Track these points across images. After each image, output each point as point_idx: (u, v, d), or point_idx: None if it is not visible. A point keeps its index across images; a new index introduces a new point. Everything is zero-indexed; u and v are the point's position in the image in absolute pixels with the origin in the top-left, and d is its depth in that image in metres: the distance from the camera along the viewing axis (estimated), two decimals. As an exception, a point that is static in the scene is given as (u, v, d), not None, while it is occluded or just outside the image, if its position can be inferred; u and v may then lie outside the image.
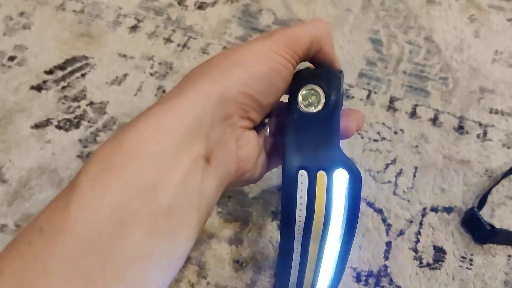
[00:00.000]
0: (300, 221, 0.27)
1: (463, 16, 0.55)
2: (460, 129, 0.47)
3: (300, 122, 0.28)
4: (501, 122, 0.48)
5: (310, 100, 0.28)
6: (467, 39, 0.53)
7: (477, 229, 0.42)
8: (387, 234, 0.42)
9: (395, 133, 0.47)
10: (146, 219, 0.22)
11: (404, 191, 0.44)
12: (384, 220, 0.43)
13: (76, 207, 0.21)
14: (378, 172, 0.45)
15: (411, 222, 0.43)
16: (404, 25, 0.54)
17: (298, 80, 0.29)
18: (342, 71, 0.31)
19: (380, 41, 0.53)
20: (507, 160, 0.46)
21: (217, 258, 0.41)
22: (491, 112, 0.49)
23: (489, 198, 0.44)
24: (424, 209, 0.43)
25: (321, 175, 0.26)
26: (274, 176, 0.45)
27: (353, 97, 0.50)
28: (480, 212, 0.42)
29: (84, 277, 0.20)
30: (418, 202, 0.44)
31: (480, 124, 0.48)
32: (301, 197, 0.26)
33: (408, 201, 0.44)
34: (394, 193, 0.44)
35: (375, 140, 0.47)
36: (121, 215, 0.22)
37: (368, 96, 0.50)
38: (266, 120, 0.32)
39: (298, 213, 0.26)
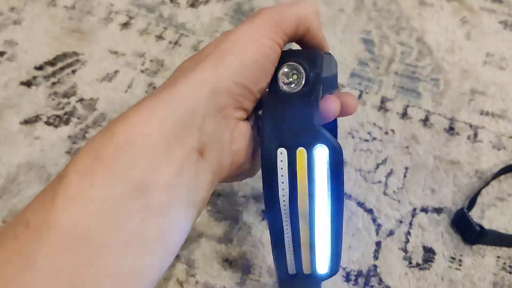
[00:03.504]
0: (284, 200, 0.26)
1: (455, 18, 0.55)
2: (450, 130, 0.48)
3: (279, 100, 0.27)
4: (492, 124, 0.48)
5: (292, 78, 0.28)
6: (459, 41, 0.53)
7: (466, 230, 0.42)
8: (377, 234, 0.42)
9: (386, 133, 0.47)
10: (136, 215, 0.22)
11: (394, 191, 0.44)
12: (374, 220, 0.43)
13: (62, 200, 0.21)
14: (368, 172, 0.45)
15: (401, 222, 0.43)
16: (396, 26, 0.54)
17: (280, 59, 0.28)
18: (330, 53, 0.31)
19: (372, 42, 0.53)
20: (497, 161, 0.46)
21: (206, 257, 0.41)
22: (481, 113, 0.49)
23: (479, 199, 0.44)
24: (414, 209, 0.44)
25: (301, 152, 0.26)
26: (265, 175, 0.45)
27: (345, 97, 0.50)
28: (470, 213, 0.42)
29: (70, 273, 0.20)
30: (408, 203, 0.44)
31: (471, 126, 0.48)
32: (282, 175, 0.26)
33: (398, 201, 0.44)
34: (385, 193, 0.44)
35: (366, 140, 0.47)
36: (110, 210, 0.21)
37: (360, 96, 0.50)
38: (260, 112, 0.31)
39: (281, 192, 0.26)
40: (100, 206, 0.21)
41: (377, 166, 0.46)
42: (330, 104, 0.29)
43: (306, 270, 0.29)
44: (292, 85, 0.27)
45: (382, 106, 0.49)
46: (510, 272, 0.41)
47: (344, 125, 0.48)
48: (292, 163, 0.26)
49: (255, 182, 0.44)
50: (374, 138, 0.47)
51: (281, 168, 0.26)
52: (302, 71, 0.27)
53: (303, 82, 0.27)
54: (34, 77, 0.50)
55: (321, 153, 0.26)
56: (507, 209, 0.44)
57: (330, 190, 0.26)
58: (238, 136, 0.28)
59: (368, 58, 0.52)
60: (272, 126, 0.26)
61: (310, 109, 0.27)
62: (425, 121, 0.48)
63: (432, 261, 0.41)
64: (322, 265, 0.29)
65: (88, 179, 0.21)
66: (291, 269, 0.29)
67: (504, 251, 0.42)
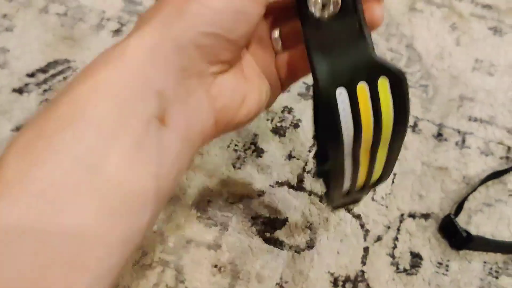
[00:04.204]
0: (348, 140, 0.24)
1: (445, 24, 0.56)
2: (439, 136, 0.48)
3: (320, 30, 0.24)
4: (480, 130, 0.49)
5: (325, 1, 0.24)
6: (448, 47, 0.54)
7: (453, 235, 0.42)
8: (365, 239, 0.43)
9: (375, 139, 0.48)
10: (89, 196, 0.19)
11: (382, 197, 0.45)
12: (362, 226, 0.43)
13: None
14: (357, 178, 0.45)
15: (388, 227, 0.43)
16: (386, 32, 0.55)
17: None
18: None
19: (362, 48, 0.53)
20: (485, 167, 0.46)
21: (196, 263, 0.41)
22: (470, 119, 0.49)
23: (466, 205, 0.44)
24: (402, 215, 0.44)
25: (362, 88, 0.23)
26: (256, 181, 0.45)
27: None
28: (457, 219, 0.43)
29: (18, 280, 0.18)
30: (396, 208, 0.44)
31: (459, 132, 0.48)
32: (344, 117, 0.23)
33: (386, 207, 0.44)
34: (373, 199, 0.45)
35: (355, 146, 0.47)
36: (54, 195, 0.18)
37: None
38: (276, 35, 0.28)
39: (345, 133, 0.24)
40: (42, 191, 0.18)
41: (366, 172, 0.46)
42: (375, 8, 0.25)
43: (359, 186, 0.29)
44: (328, 8, 0.24)
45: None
46: (496, 277, 0.41)
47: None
48: (354, 102, 0.23)
49: (245, 188, 0.45)
50: (363, 144, 0.47)
51: (343, 109, 0.23)
52: None
53: (339, 2, 0.24)
54: (26, 84, 0.51)
55: (384, 84, 0.23)
56: (494, 214, 0.44)
57: (395, 119, 0.24)
58: (219, 93, 0.25)
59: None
60: (324, 65, 0.23)
61: (358, 30, 0.23)
62: (414, 127, 0.48)
63: (419, 266, 0.42)
64: (376, 176, 0.29)
65: (29, 159, 0.19)
66: (345, 188, 0.29)
67: (490, 256, 0.42)
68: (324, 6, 0.24)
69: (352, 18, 0.24)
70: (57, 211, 0.18)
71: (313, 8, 0.24)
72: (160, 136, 0.21)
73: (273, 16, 0.28)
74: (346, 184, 0.28)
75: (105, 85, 0.20)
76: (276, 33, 0.28)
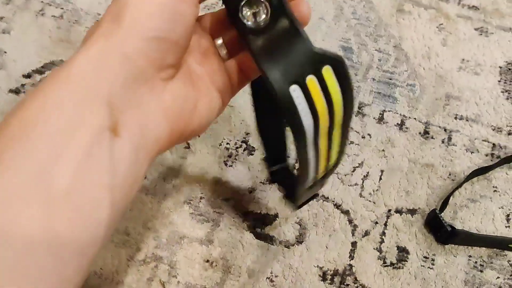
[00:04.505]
0: (309, 130, 0.26)
1: (432, 25, 0.57)
2: (425, 134, 0.49)
3: (260, 37, 0.25)
4: (465, 128, 0.50)
5: (255, 10, 0.26)
6: (435, 48, 0.55)
7: (438, 230, 0.43)
8: (353, 234, 0.44)
9: (363, 137, 0.49)
10: (37, 206, 0.19)
11: (370, 193, 0.46)
12: (350, 221, 0.45)
13: None
14: (345, 175, 0.47)
15: (376, 223, 0.45)
16: (374, 33, 0.56)
17: None
18: None
19: (351, 49, 0.55)
20: (470, 164, 0.48)
21: (188, 258, 0.43)
22: (456, 118, 0.50)
23: (452, 201, 0.46)
24: (389, 210, 0.45)
25: (311, 81, 0.25)
26: (247, 178, 0.47)
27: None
28: (443, 214, 0.44)
29: None
30: (384, 204, 0.45)
31: (445, 130, 0.50)
32: (302, 110, 0.25)
33: (374, 203, 0.45)
34: (361, 195, 0.46)
35: (344, 144, 0.48)
36: (6, 205, 0.19)
37: (338, 102, 0.51)
38: (219, 42, 0.30)
39: (305, 124, 0.26)
40: None
41: (354, 169, 0.47)
42: (302, 7, 0.27)
43: (319, 177, 0.31)
44: (260, 15, 0.26)
45: (360, 111, 0.50)
46: (481, 271, 0.42)
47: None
48: (307, 95, 0.25)
49: (236, 185, 0.46)
50: (352, 142, 0.49)
51: (300, 104, 0.25)
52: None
53: (269, 8, 0.25)
54: (23, 85, 0.52)
55: (328, 72, 0.25)
56: (478, 210, 0.45)
57: (343, 98, 0.26)
58: (170, 101, 0.25)
59: (347, 65, 0.54)
60: (273, 69, 0.25)
61: (296, 33, 0.25)
62: (401, 125, 0.50)
63: (405, 261, 0.43)
64: (333, 160, 0.31)
65: None
66: (311, 178, 0.31)
67: (475, 251, 0.43)
68: (255, 14, 0.26)
69: (284, 20, 0.25)
70: (6, 220, 0.19)
71: (246, 20, 0.26)
72: (112, 147, 0.22)
73: (216, 26, 0.29)
74: (311, 175, 0.30)
75: (53, 101, 0.21)
76: (219, 41, 0.29)
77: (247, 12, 0.26)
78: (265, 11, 0.25)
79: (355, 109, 0.50)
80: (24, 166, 0.20)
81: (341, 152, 0.31)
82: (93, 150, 0.21)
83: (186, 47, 0.26)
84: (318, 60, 0.25)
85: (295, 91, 0.25)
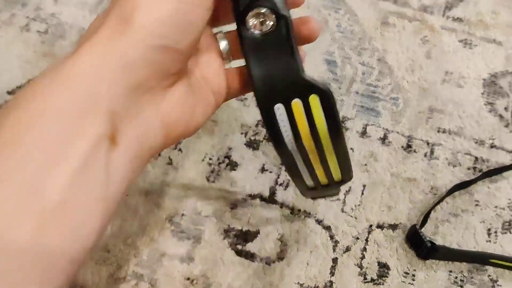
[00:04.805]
0: (291, 144, 0.28)
1: (416, 37, 0.57)
2: (408, 148, 0.49)
3: (259, 48, 0.27)
4: (448, 141, 0.50)
5: (263, 20, 0.26)
6: (419, 60, 0.55)
7: (419, 245, 0.43)
8: (334, 250, 0.44)
9: (345, 152, 0.49)
10: (29, 219, 0.19)
11: (352, 209, 0.46)
12: (331, 237, 0.45)
13: None
14: (327, 190, 0.47)
15: (357, 238, 0.45)
16: (358, 46, 0.56)
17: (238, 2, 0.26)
18: None
19: (335, 62, 0.55)
20: (452, 178, 0.48)
21: (169, 276, 0.43)
22: (438, 131, 0.50)
23: (433, 215, 0.46)
24: (371, 226, 0.45)
25: (296, 104, 0.27)
26: (229, 194, 0.47)
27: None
28: (424, 229, 0.44)
29: None
30: (365, 219, 0.45)
31: (428, 143, 0.50)
32: (284, 126, 0.27)
33: (356, 218, 0.46)
34: (343, 211, 0.46)
35: (326, 159, 0.49)
36: None
37: (322, 116, 0.51)
38: (223, 45, 0.30)
39: (287, 140, 0.27)
40: None
41: (336, 184, 0.47)
42: (312, 26, 0.28)
43: (323, 183, 0.32)
44: (267, 28, 0.26)
45: (343, 125, 0.50)
46: (461, 286, 0.42)
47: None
48: (290, 115, 0.27)
49: (217, 202, 0.46)
50: (334, 157, 0.49)
51: (282, 120, 0.27)
52: (268, 10, 0.26)
53: (274, 18, 0.26)
54: (6, 102, 0.52)
55: (315, 100, 0.26)
56: (460, 224, 0.45)
57: (329, 129, 0.27)
58: (170, 108, 0.25)
59: (330, 79, 0.54)
60: (263, 83, 0.27)
61: (293, 56, 0.26)
62: (384, 139, 0.50)
63: (386, 276, 0.43)
64: (337, 176, 0.32)
65: None
66: (310, 184, 0.32)
67: (456, 266, 0.43)
68: (261, 23, 0.26)
69: (284, 42, 0.26)
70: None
71: (252, 28, 0.26)
72: (110, 157, 0.21)
73: (216, 18, 0.28)
74: (309, 182, 0.32)
75: (51, 105, 0.20)
76: (223, 42, 0.29)
77: (254, 20, 0.26)
78: (271, 23, 0.26)
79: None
80: (16, 176, 0.19)
81: (344, 170, 0.31)
82: (89, 161, 0.20)
83: (191, 55, 0.25)
84: (306, 88, 0.26)
85: (279, 109, 0.27)
